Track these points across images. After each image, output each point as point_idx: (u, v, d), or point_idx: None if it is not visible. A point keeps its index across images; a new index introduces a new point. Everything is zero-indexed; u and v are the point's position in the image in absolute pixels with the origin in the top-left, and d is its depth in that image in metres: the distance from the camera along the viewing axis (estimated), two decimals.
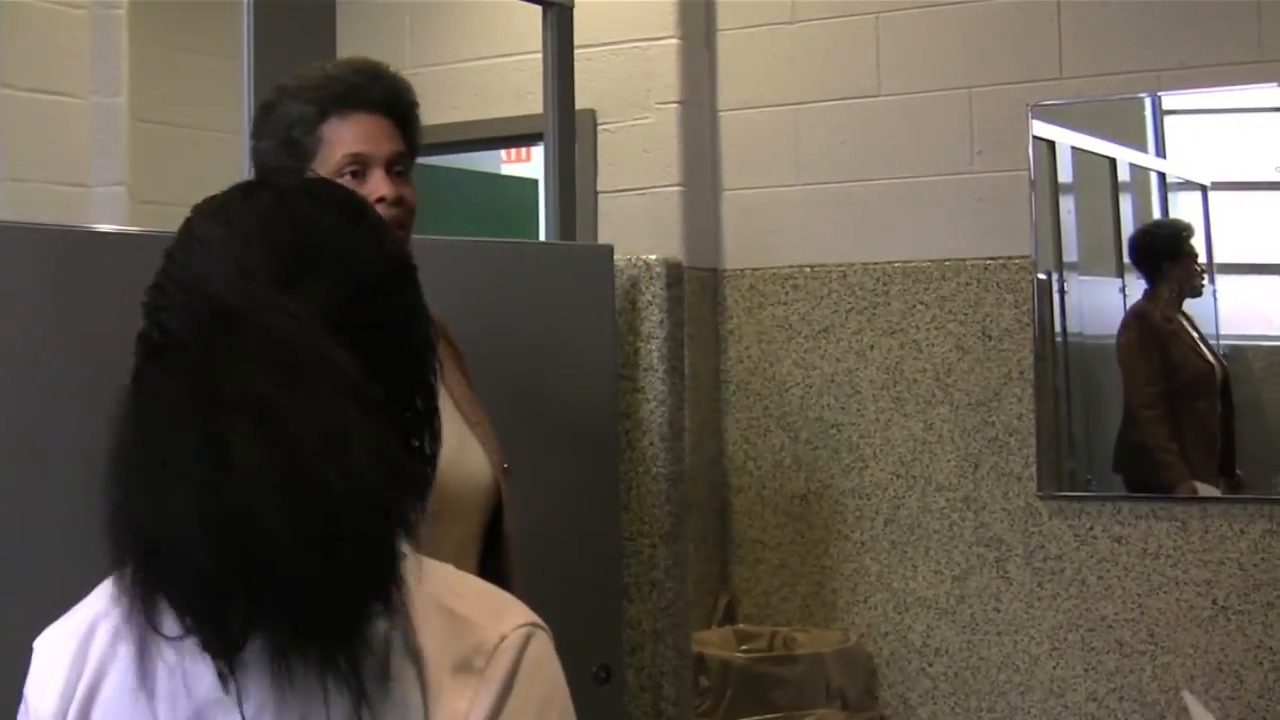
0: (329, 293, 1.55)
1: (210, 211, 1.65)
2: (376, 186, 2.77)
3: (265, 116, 2.89)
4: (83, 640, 1.63)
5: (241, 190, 1.67)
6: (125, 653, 1.58)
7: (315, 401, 1.42)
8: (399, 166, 2.87)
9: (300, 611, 1.41)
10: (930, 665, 5.50)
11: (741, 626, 5.72)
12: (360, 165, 2.80)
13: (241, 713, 1.49)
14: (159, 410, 1.44)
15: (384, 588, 1.43)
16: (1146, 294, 5.29)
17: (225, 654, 1.45)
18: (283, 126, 2.84)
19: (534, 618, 1.56)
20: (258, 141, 2.90)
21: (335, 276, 1.57)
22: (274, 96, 2.90)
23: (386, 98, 2.92)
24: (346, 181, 2.74)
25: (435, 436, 1.68)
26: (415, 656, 1.47)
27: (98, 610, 1.65)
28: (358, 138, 2.82)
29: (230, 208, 1.64)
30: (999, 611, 5.38)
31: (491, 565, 2.89)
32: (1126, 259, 5.37)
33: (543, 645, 1.55)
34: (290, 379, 1.42)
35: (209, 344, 1.45)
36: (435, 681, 1.47)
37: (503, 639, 1.50)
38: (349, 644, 1.43)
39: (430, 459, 1.66)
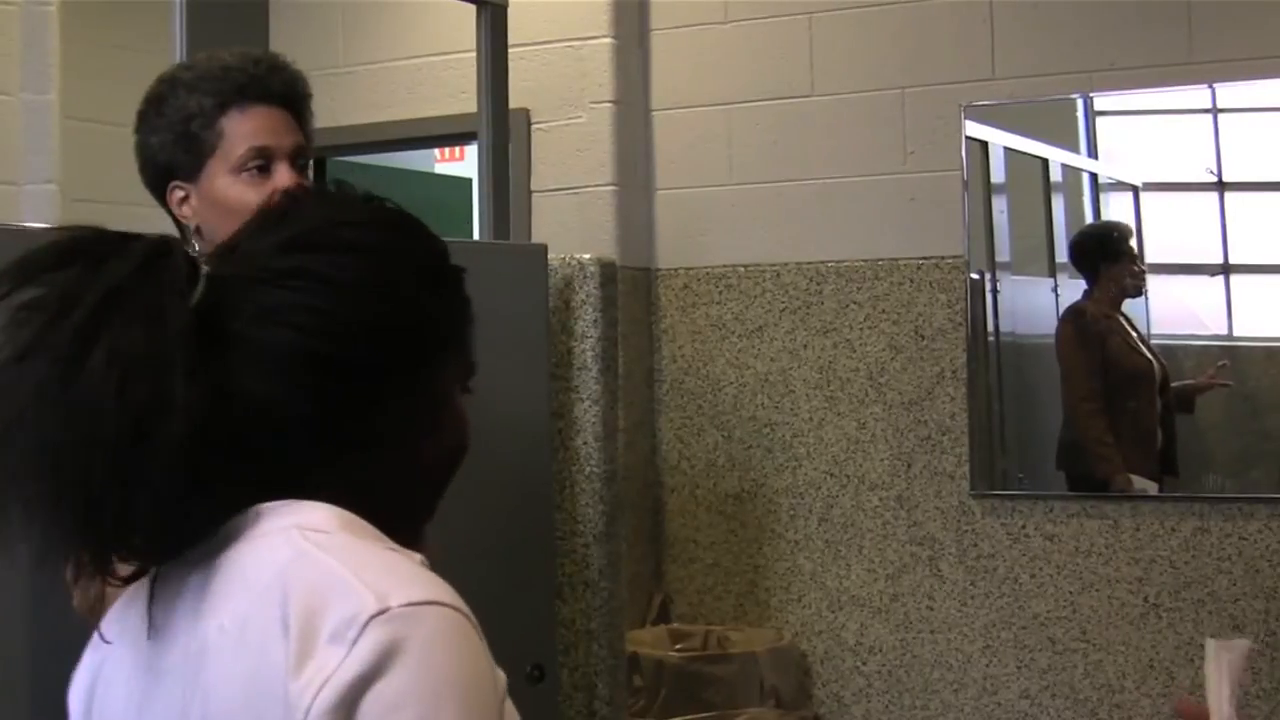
0: (263, 244, 1.63)
1: None
2: (282, 180, 2.71)
3: (157, 109, 2.80)
4: (89, 656, 1.74)
5: None
6: (109, 668, 1.68)
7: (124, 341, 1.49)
8: (301, 159, 2.82)
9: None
10: (864, 664, 5.52)
11: (675, 625, 5.72)
12: (265, 159, 2.74)
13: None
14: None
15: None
16: (1086, 294, 5.32)
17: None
18: (179, 120, 2.76)
19: (443, 597, 1.48)
20: (146, 137, 2.82)
21: (277, 232, 1.64)
22: (164, 89, 2.82)
23: (285, 89, 2.85)
24: (250, 176, 2.72)
25: (370, 424, 1.65)
26: (286, 627, 1.44)
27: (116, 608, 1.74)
28: (260, 131, 2.76)
29: None
30: (932, 610, 5.40)
31: None
32: (1060, 259, 5.39)
33: (446, 626, 1.47)
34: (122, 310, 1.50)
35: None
36: (304, 646, 1.43)
37: (382, 612, 1.43)
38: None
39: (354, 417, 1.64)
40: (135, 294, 1.50)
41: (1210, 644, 2.36)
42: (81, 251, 1.54)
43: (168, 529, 1.53)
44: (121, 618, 1.68)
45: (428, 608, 1.46)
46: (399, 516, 1.67)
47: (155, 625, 1.58)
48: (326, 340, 1.58)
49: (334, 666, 1.41)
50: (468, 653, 1.47)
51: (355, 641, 1.42)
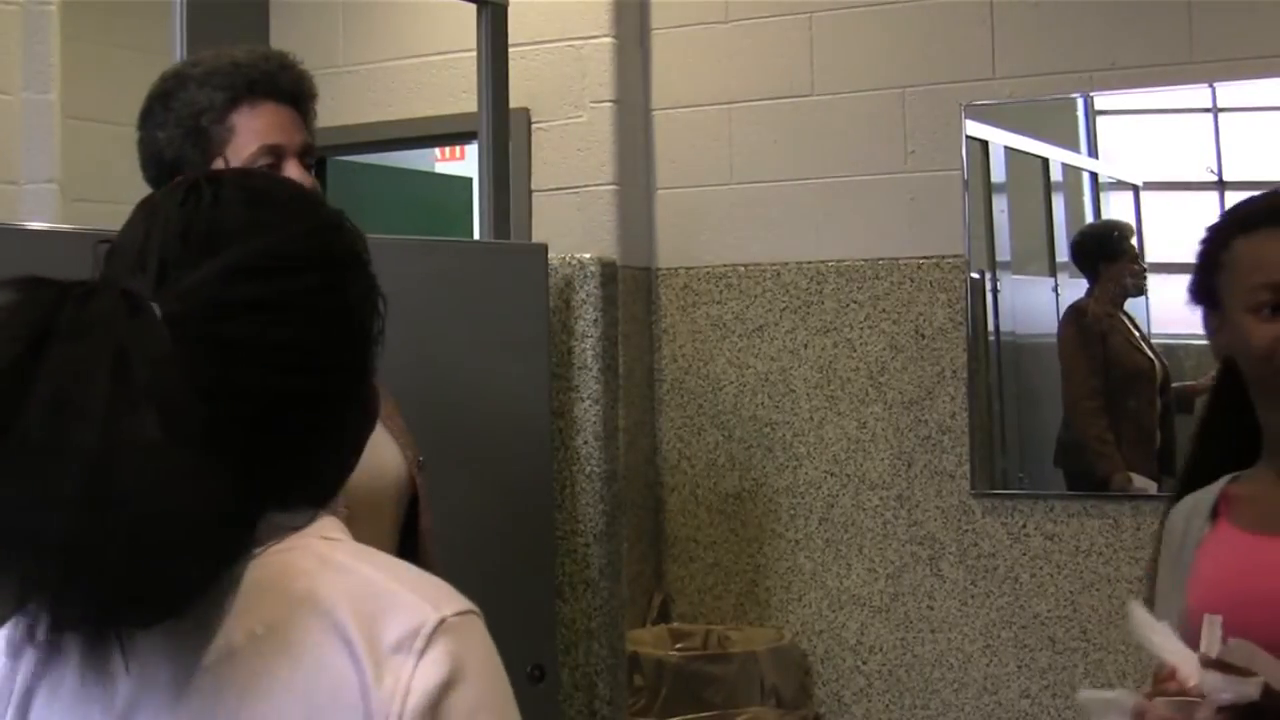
0: (200, 276, 1.52)
1: (148, 198, 1.65)
2: (293, 177, 2.65)
3: (165, 104, 2.75)
4: (17, 648, 1.64)
5: (181, 179, 1.65)
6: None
7: (75, 371, 1.41)
8: (308, 158, 2.79)
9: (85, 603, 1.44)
10: (864, 663, 5.51)
11: (675, 625, 5.72)
12: (275, 156, 2.71)
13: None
14: None
15: (150, 595, 1.45)
16: (1087, 293, 5.31)
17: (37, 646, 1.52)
18: (188, 115, 2.72)
19: (472, 605, 1.56)
20: (153, 131, 2.77)
21: (212, 259, 1.53)
22: (172, 84, 2.77)
23: (295, 88, 2.81)
24: None
25: (344, 427, 1.66)
26: (344, 636, 1.48)
27: None
28: (271, 128, 2.73)
29: (161, 193, 1.64)
30: (932, 609, 5.40)
31: (409, 561, 2.84)
32: (1060, 258, 5.39)
33: (484, 633, 1.56)
34: (93, 368, 1.41)
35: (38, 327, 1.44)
36: (371, 659, 1.47)
37: (443, 621, 1.50)
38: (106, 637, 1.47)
39: (327, 448, 1.64)
40: (102, 371, 1.41)
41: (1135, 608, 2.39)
42: (33, 323, 1.43)
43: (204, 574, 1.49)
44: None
45: (470, 617, 1.55)
46: (331, 494, 1.70)
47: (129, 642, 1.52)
48: (295, 375, 1.55)
49: (409, 675, 1.47)
50: (498, 656, 1.57)
51: (424, 652, 1.49)
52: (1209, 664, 2.22)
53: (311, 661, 1.48)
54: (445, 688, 1.48)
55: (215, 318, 1.51)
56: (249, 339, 1.51)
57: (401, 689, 1.46)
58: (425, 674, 1.47)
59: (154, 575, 1.43)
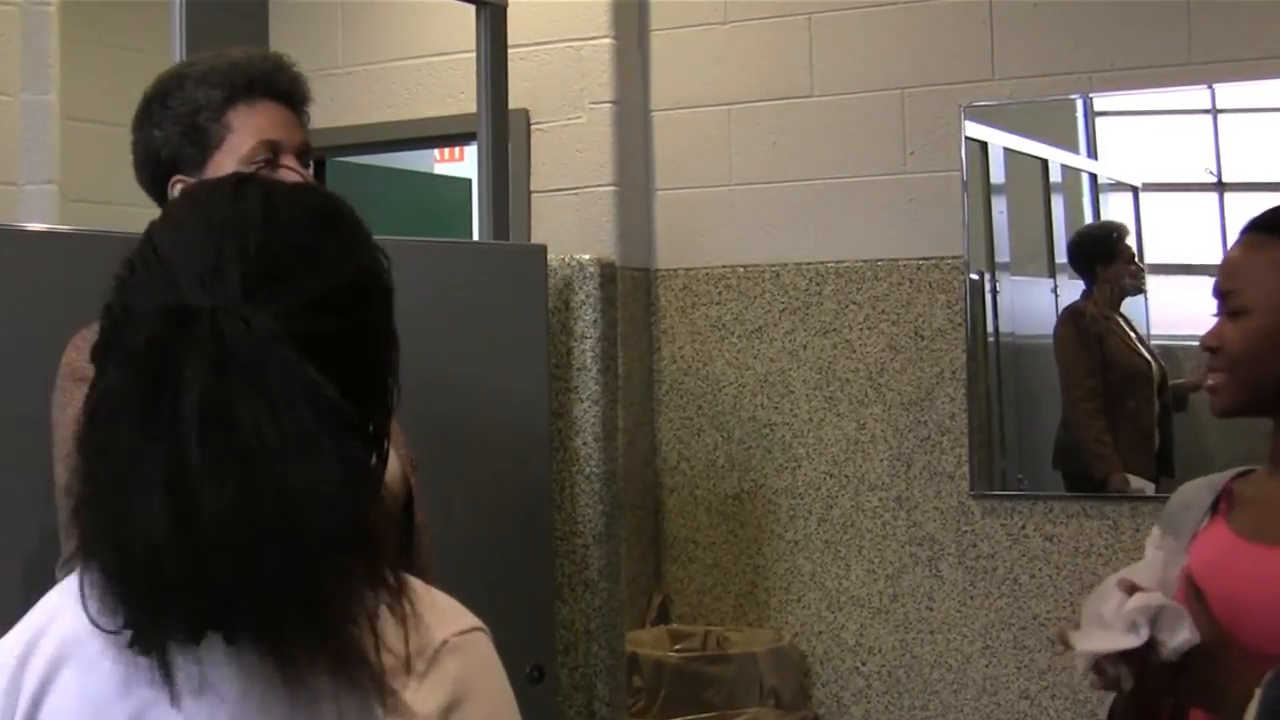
0: (290, 301, 1.53)
1: (196, 198, 1.65)
2: (289, 174, 2.68)
3: (162, 103, 2.76)
4: (19, 662, 1.63)
5: (232, 183, 1.65)
6: (69, 674, 1.58)
7: (269, 402, 1.43)
8: (305, 157, 2.80)
9: (263, 608, 1.44)
10: (863, 664, 5.51)
11: (674, 626, 5.72)
12: (273, 153, 2.72)
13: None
14: (114, 410, 1.46)
15: (350, 585, 1.46)
16: (1084, 294, 5.31)
17: (165, 650, 1.48)
18: (186, 113, 2.73)
19: (477, 621, 1.56)
20: (149, 131, 2.77)
21: (300, 286, 1.54)
22: (170, 84, 2.78)
23: (292, 88, 2.82)
24: (259, 170, 2.68)
25: (383, 457, 1.66)
26: (369, 655, 1.46)
27: (38, 626, 1.64)
28: (270, 125, 2.74)
29: (215, 198, 1.63)
30: (932, 610, 5.40)
31: (405, 559, 2.84)
32: (1060, 259, 5.39)
33: (489, 649, 1.56)
34: (245, 380, 1.43)
35: (162, 344, 1.45)
36: (386, 681, 1.46)
37: (445, 643, 1.50)
38: (318, 644, 1.45)
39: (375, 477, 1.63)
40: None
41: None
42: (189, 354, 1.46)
43: None
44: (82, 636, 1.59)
45: (474, 634, 1.56)
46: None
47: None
48: (353, 402, 1.54)
49: (411, 696, 1.47)
50: (503, 669, 1.57)
51: (425, 675, 1.49)
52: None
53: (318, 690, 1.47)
54: (446, 711, 1.48)
55: (293, 343, 1.51)
56: (315, 371, 1.51)
57: (407, 713, 1.46)
58: (426, 698, 1.47)
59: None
